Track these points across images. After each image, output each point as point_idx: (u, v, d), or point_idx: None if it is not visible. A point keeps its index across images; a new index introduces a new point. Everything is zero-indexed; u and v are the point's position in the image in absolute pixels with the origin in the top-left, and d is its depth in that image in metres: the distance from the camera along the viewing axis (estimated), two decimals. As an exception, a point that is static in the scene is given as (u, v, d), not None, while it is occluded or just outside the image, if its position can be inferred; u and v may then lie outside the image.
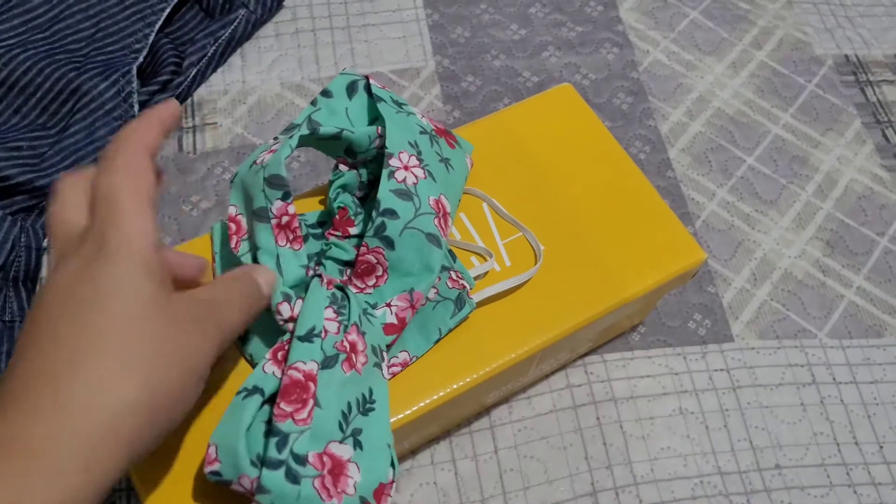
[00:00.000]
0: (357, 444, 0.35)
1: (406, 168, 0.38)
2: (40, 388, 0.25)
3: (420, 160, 0.38)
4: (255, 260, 0.36)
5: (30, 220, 0.50)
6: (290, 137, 0.37)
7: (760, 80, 0.62)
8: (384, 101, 0.39)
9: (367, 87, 0.40)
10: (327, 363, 0.34)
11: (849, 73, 0.63)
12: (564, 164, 0.46)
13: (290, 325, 0.35)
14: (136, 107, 0.52)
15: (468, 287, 0.40)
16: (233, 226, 0.37)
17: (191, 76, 0.55)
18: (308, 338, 0.34)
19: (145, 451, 0.27)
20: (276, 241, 0.35)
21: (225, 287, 0.32)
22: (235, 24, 0.57)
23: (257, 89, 0.58)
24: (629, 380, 0.49)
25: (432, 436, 0.46)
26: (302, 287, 0.36)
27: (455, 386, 0.39)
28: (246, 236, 0.37)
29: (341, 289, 0.37)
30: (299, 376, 0.33)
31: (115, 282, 0.26)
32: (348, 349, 0.35)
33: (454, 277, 0.40)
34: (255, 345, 0.38)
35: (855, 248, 0.55)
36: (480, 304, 0.41)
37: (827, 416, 0.49)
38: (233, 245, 0.37)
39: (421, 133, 0.40)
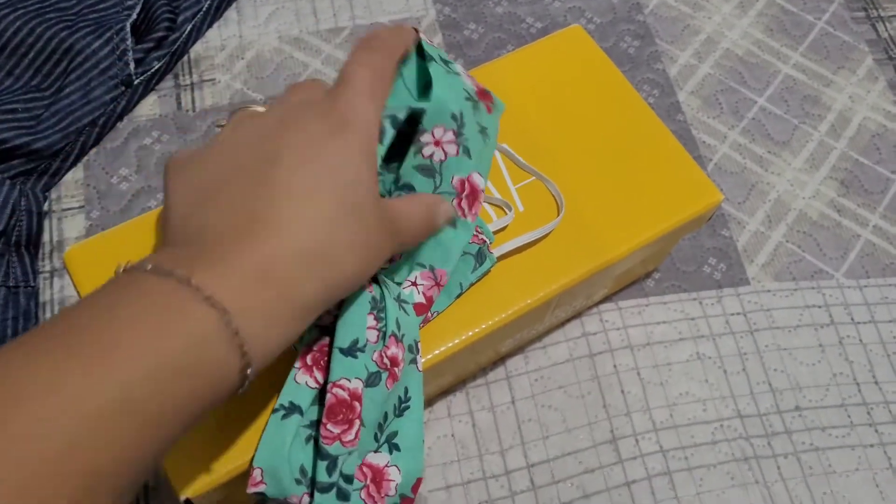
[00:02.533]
0: (393, 448, 0.34)
1: (437, 143, 0.36)
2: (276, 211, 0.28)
3: (458, 133, 0.36)
4: None
5: (29, 183, 0.49)
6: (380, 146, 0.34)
7: (769, 18, 0.61)
8: (434, 60, 0.36)
9: (419, 47, 0.36)
10: (371, 381, 0.33)
11: (859, 9, 0.61)
12: (576, 107, 0.45)
13: (325, 319, 0.34)
14: (132, 65, 0.51)
15: (488, 241, 0.39)
16: None
17: (186, 32, 0.53)
18: (352, 352, 0.33)
19: (314, 304, 0.28)
20: None
21: (412, 203, 0.33)
22: (230, -24, 0.55)
23: (255, 44, 0.56)
24: (645, 326, 0.49)
25: (449, 385, 0.45)
26: None
27: (471, 333, 0.38)
28: None
29: (375, 280, 0.35)
30: (345, 395, 0.32)
31: (348, 155, 0.29)
32: (389, 365, 0.34)
33: (474, 232, 0.39)
34: None
35: (870, 187, 0.54)
36: (500, 257, 0.40)
37: (846, 356, 0.49)
38: None
39: (466, 99, 0.37)
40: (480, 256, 0.39)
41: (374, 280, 0.35)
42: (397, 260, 0.37)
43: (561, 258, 0.40)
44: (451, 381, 0.45)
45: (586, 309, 0.49)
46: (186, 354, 0.24)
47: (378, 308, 0.34)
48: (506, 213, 0.41)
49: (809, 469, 0.45)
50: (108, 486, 0.23)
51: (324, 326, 0.34)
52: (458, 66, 0.38)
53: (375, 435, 0.34)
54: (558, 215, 0.41)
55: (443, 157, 0.36)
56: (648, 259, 0.47)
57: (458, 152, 0.36)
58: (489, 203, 0.41)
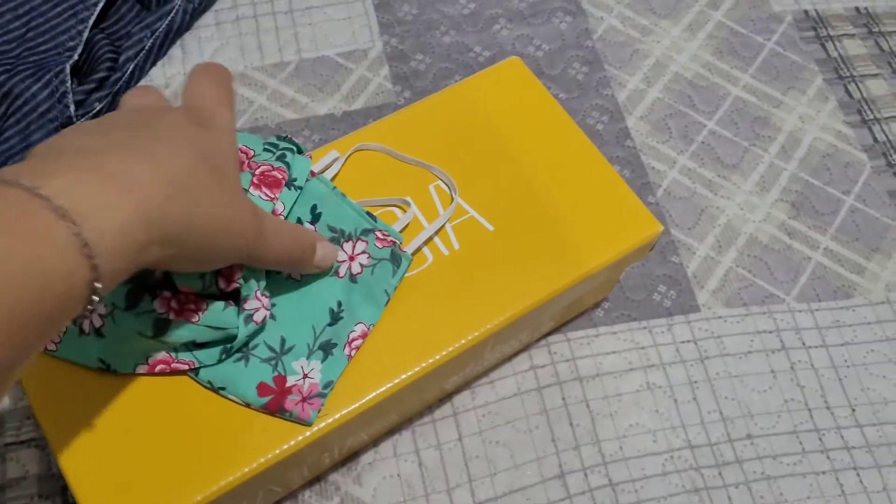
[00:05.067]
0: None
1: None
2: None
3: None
4: None
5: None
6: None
7: (718, 40, 0.61)
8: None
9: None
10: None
11: (808, 29, 0.61)
12: (515, 138, 0.44)
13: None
14: (72, 107, 0.51)
15: (398, 242, 0.40)
16: None
17: (128, 71, 0.53)
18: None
19: (175, 230, 0.28)
20: None
21: (294, 226, 0.37)
22: (172, 14, 0.55)
23: (200, 81, 0.56)
24: (594, 357, 0.48)
25: (394, 424, 0.45)
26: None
27: (410, 373, 0.38)
28: None
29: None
30: None
31: (216, 144, 0.32)
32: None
33: (380, 237, 0.40)
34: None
35: (821, 208, 0.54)
36: (427, 288, 0.40)
37: (798, 381, 0.48)
38: None
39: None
40: (395, 259, 0.40)
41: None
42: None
43: (501, 292, 0.40)
44: (397, 420, 0.44)
45: (535, 341, 0.48)
46: (30, 263, 0.24)
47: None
48: (405, 212, 0.42)
49: (761, 498, 0.45)
50: None
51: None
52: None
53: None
54: (451, 210, 0.42)
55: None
56: (596, 289, 0.46)
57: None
58: (388, 205, 0.42)
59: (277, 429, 0.36)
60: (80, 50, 0.53)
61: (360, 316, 0.39)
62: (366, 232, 0.40)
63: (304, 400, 0.36)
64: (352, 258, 0.39)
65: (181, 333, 0.35)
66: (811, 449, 0.46)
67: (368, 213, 0.41)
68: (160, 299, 0.35)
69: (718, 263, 0.52)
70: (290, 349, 0.37)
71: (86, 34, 0.53)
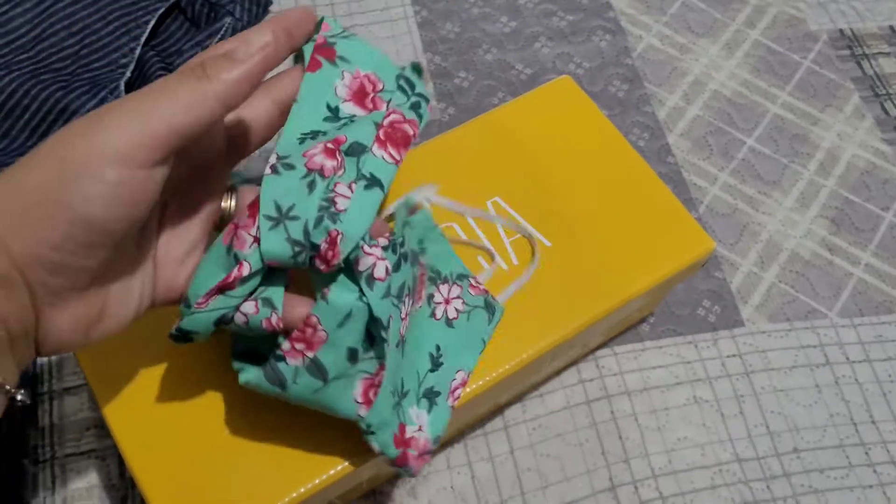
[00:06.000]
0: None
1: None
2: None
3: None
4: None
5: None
6: None
7: (756, 59, 0.61)
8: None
9: None
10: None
11: (844, 48, 0.62)
12: (567, 158, 0.45)
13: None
14: (127, 123, 0.51)
15: (488, 292, 0.40)
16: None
17: (180, 88, 0.54)
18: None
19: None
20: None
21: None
22: (222, 32, 0.56)
23: (248, 97, 0.57)
24: (641, 371, 0.49)
25: (448, 437, 0.45)
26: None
27: (471, 388, 0.38)
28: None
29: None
30: None
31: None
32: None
33: (474, 284, 0.39)
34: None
35: (860, 225, 0.55)
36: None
37: (842, 396, 0.49)
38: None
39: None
40: (490, 307, 0.39)
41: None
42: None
43: (557, 311, 0.41)
44: (451, 433, 0.45)
45: (583, 356, 0.49)
46: None
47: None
48: (490, 263, 0.42)
49: (810, 512, 0.45)
50: None
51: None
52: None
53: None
54: (532, 262, 0.42)
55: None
56: (644, 305, 0.47)
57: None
58: (474, 247, 0.42)
59: (343, 445, 0.36)
60: (132, 67, 0.54)
61: (460, 363, 0.38)
62: (461, 277, 0.39)
63: (420, 456, 0.35)
64: (447, 301, 0.38)
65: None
66: (857, 463, 0.47)
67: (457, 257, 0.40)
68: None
69: (761, 279, 0.52)
70: (406, 394, 0.35)
71: (138, 51, 0.54)
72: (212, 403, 0.37)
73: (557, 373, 0.48)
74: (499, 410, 0.47)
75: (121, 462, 0.44)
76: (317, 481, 0.36)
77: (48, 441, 0.45)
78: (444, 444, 0.46)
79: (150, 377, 0.37)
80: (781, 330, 0.51)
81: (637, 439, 0.47)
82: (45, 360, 0.47)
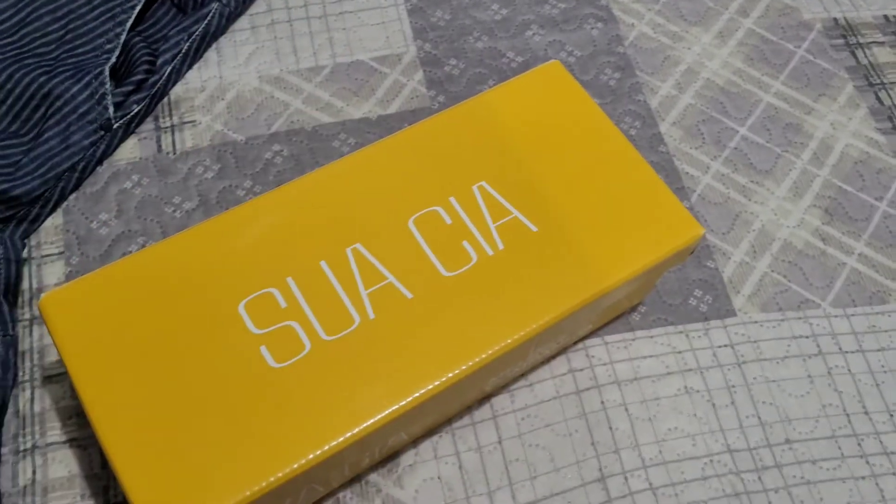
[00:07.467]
0: None
1: None
2: None
3: None
4: None
5: (7, 231, 0.48)
6: None
7: (749, 48, 0.61)
8: None
9: None
10: None
11: (838, 37, 0.62)
12: (556, 141, 0.45)
13: None
14: (111, 108, 0.51)
15: None
16: None
17: (165, 74, 0.53)
18: None
19: None
20: None
21: None
22: (209, 18, 0.55)
23: (235, 84, 0.56)
24: (632, 361, 0.48)
25: (434, 425, 0.45)
26: None
27: (454, 373, 0.38)
28: None
29: None
30: None
31: None
32: None
33: None
34: None
35: (854, 215, 0.54)
36: (472, 287, 0.40)
37: (835, 386, 0.48)
38: None
39: None
40: None
41: None
42: None
43: (543, 294, 0.40)
44: (437, 420, 0.44)
45: (571, 345, 0.48)
46: None
47: None
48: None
49: (801, 503, 0.45)
50: None
51: None
52: None
53: None
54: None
55: None
56: (633, 293, 0.46)
57: None
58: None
59: (321, 426, 0.36)
60: (117, 52, 0.53)
61: None
62: None
63: None
64: None
65: None
66: (850, 454, 0.46)
67: None
68: None
69: (754, 268, 0.52)
70: None
71: (123, 37, 0.54)
72: (191, 388, 0.37)
73: (547, 361, 0.48)
74: (486, 399, 0.46)
75: (102, 451, 0.43)
76: (295, 465, 0.35)
77: (29, 430, 0.44)
78: (431, 433, 0.45)
79: (132, 363, 0.37)
80: (773, 320, 0.50)
81: (627, 430, 0.46)
82: (27, 347, 0.46)
